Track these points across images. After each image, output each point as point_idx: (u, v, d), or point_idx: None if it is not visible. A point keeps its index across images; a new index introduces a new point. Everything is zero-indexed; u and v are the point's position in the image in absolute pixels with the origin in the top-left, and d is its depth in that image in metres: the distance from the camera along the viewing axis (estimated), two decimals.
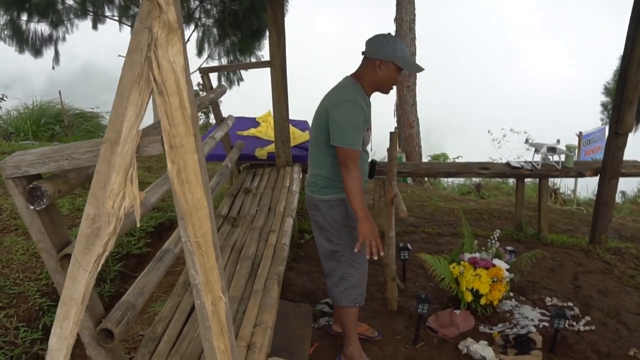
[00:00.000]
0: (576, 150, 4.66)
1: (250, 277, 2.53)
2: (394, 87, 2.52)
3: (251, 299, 2.30)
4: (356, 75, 2.43)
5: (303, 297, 3.46)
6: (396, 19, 9.44)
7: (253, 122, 5.70)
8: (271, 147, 4.58)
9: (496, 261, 3.29)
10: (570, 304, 3.49)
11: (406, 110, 9.65)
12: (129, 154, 1.24)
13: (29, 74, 21.22)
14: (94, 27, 9.56)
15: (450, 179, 9.86)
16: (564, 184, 9.31)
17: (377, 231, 2.33)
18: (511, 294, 3.56)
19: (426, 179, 9.41)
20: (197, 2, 9.53)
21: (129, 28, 9.74)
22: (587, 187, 9.07)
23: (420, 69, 2.46)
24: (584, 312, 3.40)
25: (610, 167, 4.39)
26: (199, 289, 1.43)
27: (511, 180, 9.29)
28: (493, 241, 3.40)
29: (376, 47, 2.34)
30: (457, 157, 10.42)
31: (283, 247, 2.83)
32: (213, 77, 10.44)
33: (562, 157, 4.61)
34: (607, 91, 17.20)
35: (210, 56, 10.56)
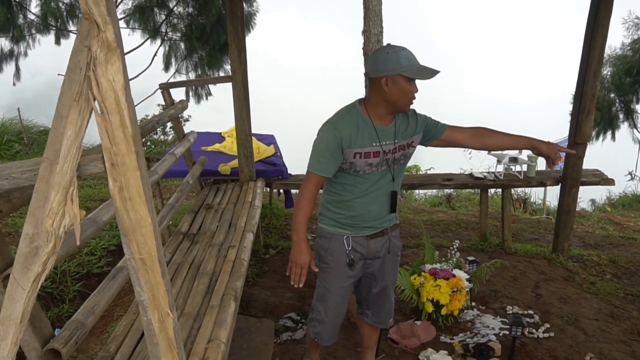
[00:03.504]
0: (537, 160, 4.77)
1: (207, 293, 2.52)
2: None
3: (207, 315, 2.28)
4: (365, 98, 2.20)
5: (266, 313, 3.46)
6: (364, 32, 9.57)
7: (218, 137, 5.70)
8: (235, 163, 4.57)
9: (456, 271, 3.34)
10: (531, 311, 3.57)
11: None
12: (69, 172, 1.24)
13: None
14: (57, 42, 9.44)
15: (422, 191, 9.94)
16: (534, 193, 9.48)
17: (305, 260, 2.20)
18: (473, 303, 3.62)
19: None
20: (164, 16, 9.50)
21: None
22: (556, 195, 9.29)
23: (434, 73, 2.08)
24: (544, 320, 3.48)
25: (570, 176, 4.51)
26: (145, 306, 1.43)
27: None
28: (453, 252, 3.45)
29: (377, 63, 2.06)
30: (429, 169, 10.54)
31: (242, 263, 2.82)
32: (181, 92, 10.47)
33: (524, 167, 4.73)
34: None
35: (177, 71, 10.48)
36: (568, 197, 4.56)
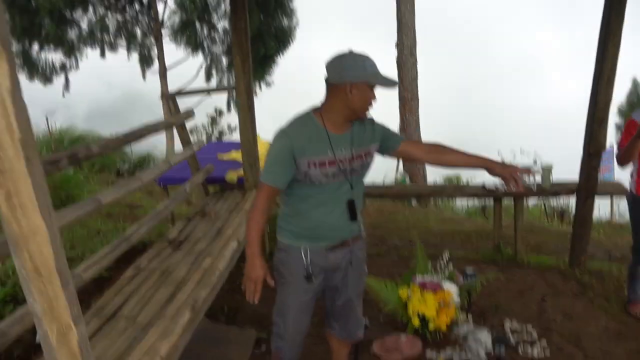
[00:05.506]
0: (552, 171, 4.56)
1: (167, 302, 2.53)
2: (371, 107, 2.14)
3: (155, 325, 2.29)
4: (321, 105, 2.14)
5: (253, 323, 3.44)
6: (397, 44, 9.59)
7: (237, 146, 5.76)
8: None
9: (446, 284, 3.22)
10: (530, 327, 3.39)
11: (409, 134, 9.70)
12: None
13: (72, 101, 22.09)
14: (102, 55, 9.92)
15: (463, 202, 9.72)
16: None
17: (258, 274, 2.14)
18: (469, 316, 3.48)
19: (431, 199, 9.29)
20: (205, 32, 9.87)
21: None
22: (599, 206, 8.83)
23: (395, 83, 2.12)
24: (542, 336, 3.30)
25: (585, 187, 4.30)
26: (38, 318, 1.40)
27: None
28: (443, 263, 3.34)
29: (342, 69, 2.01)
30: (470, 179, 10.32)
31: (214, 272, 2.82)
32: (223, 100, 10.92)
33: (538, 178, 4.53)
34: (620, 113, 16.92)
35: (220, 82, 10.95)
36: (583, 209, 4.35)
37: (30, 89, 10.59)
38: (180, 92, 4.52)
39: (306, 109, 2.19)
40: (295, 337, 2.43)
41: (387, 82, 2.07)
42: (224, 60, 10.83)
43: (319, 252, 2.25)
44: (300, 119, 2.15)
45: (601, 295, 3.94)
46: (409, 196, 4.76)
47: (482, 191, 4.61)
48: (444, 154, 2.30)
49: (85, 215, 2.52)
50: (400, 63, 9.71)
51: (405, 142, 2.32)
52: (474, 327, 3.37)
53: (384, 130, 2.30)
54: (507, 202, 9.35)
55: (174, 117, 3.84)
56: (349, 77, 2.00)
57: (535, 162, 4.58)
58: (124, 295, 2.70)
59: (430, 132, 10.26)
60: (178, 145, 8.31)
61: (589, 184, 4.27)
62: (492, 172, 2.20)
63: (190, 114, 4.14)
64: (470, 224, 7.08)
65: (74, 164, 2.59)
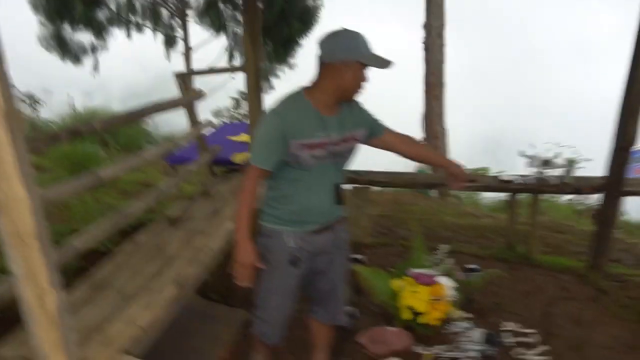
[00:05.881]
0: (575, 166, 4.30)
1: (154, 276, 2.52)
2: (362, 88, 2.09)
3: (139, 297, 2.28)
4: (312, 85, 2.07)
5: (246, 304, 3.40)
6: (425, 25, 9.21)
7: (247, 128, 5.73)
8: None
9: (442, 279, 3.09)
10: (532, 331, 3.21)
11: (433, 121, 9.35)
12: None
13: (109, 82, 22.74)
14: (128, 36, 10.05)
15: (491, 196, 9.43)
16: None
17: (249, 259, 2.10)
18: (468, 315, 3.34)
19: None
20: (229, 12, 9.82)
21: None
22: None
23: (389, 63, 2.01)
24: (545, 342, 3.11)
25: (611, 184, 4.03)
26: (19, 281, 1.49)
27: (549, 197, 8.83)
28: (438, 256, 3.20)
29: (335, 47, 1.96)
30: (502, 172, 9.98)
31: (206, 251, 2.78)
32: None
33: (559, 172, 4.30)
34: None
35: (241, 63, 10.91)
36: (607, 208, 4.07)
37: (69, 71, 10.90)
38: (190, 72, 4.48)
39: (296, 89, 2.12)
40: (279, 321, 2.41)
41: (380, 62, 2.00)
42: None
43: (305, 236, 2.20)
44: (291, 99, 2.09)
45: (618, 303, 3.68)
46: (418, 185, 4.60)
47: (495, 183, 4.41)
48: (413, 147, 2.40)
49: (83, 188, 2.56)
50: (427, 45, 9.23)
51: (388, 130, 2.31)
52: (470, 325, 3.23)
53: (371, 116, 2.27)
54: (529, 197, 9.10)
55: (183, 97, 3.82)
56: (342, 55, 1.95)
57: (556, 155, 4.32)
58: (116, 267, 2.73)
59: (456, 121, 9.91)
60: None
61: (615, 181, 4.00)
62: (448, 170, 2.34)
63: (200, 93, 4.10)
64: (490, 220, 6.83)
65: (73, 139, 2.62)
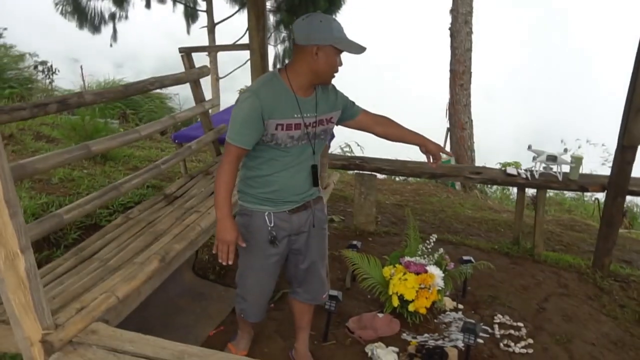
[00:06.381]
0: (582, 162, 4.21)
1: (141, 250, 2.58)
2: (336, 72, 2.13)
3: (122, 269, 2.35)
4: (287, 67, 2.12)
5: None
6: (452, 11, 9.02)
7: None
8: None
9: (432, 268, 3.09)
10: (521, 324, 3.20)
11: (458, 111, 9.18)
12: None
13: (140, 54, 22.88)
14: (147, 6, 10.00)
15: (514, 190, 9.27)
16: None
17: (231, 237, 2.13)
18: (460, 306, 3.34)
19: (478, 186, 8.88)
20: None
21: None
22: None
23: (363, 49, 2.06)
24: (532, 335, 3.11)
25: (616, 183, 3.96)
26: None
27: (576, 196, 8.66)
28: (429, 245, 3.20)
29: (309, 30, 1.99)
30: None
31: (195, 228, 2.83)
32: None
33: (565, 168, 4.22)
34: None
35: (267, 39, 10.79)
36: (612, 207, 4.00)
37: (100, 44, 10.97)
38: (194, 49, 4.46)
39: (272, 70, 2.20)
40: (258, 300, 2.48)
41: (353, 48, 2.05)
42: (271, 18, 10.63)
43: (283, 216, 2.26)
44: (267, 80, 2.14)
45: (617, 302, 3.66)
46: (423, 175, 4.57)
47: (502, 177, 4.36)
48: (390, 127, 2.42)
49: (73, 159, 2.61)
50: (454, 31, 9.05)
51: (364, 112, 2.39)
52: (461, 316, 3.23)
53: (345, 98, 2.34)
54: (557, 195, 8.94)
55: (187, 73, 3.85)
56: (316, 39, 2.00)
57: (565, 151, 4.23)
58: (105, 240, 2.82)
59: (481, 110, 9.71)
60: (224, 104, 8.38)
61: (620, 179, 3.93)
62: (426, 148, 2.38)
63: (204, 70, 4.12)
64: (509, 215, 6.76)
65: (63, 110, 2.67)
